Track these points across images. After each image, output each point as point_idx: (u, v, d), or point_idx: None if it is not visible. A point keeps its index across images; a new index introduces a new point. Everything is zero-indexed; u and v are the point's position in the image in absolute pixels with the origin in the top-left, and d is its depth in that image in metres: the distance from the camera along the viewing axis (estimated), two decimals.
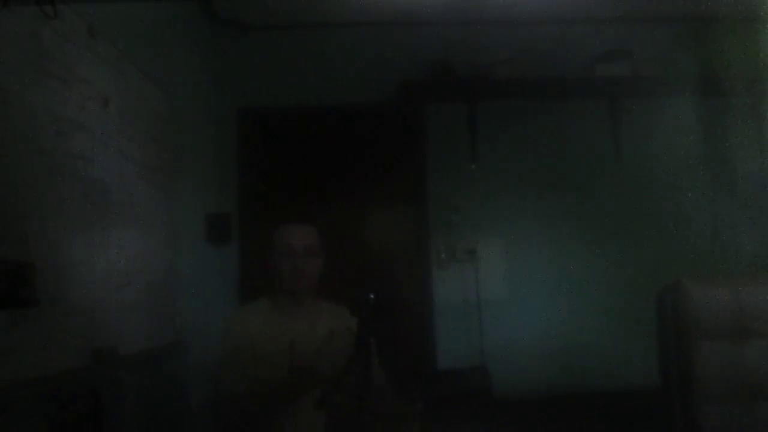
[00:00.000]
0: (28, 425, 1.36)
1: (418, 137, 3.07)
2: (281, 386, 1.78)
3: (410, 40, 2.98)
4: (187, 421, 2.41)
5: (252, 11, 3.01)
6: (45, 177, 1.46)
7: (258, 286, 2.13)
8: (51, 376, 1.42)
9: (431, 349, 2.95)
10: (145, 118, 2.09)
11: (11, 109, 1.33)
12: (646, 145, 2.98)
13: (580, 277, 2.96)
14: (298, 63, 3.03)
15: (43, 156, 1.45)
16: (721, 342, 1.90)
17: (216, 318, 2.59)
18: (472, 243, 3.00)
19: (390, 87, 3.01)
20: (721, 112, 2.96)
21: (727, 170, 2.90)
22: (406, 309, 2.95)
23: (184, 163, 2.49)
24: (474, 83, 2.99)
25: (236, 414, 1.89)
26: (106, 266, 1.75)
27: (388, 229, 3.08)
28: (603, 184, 3.01)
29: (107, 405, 1.62)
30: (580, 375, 2.85)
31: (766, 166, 2.68)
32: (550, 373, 2.85)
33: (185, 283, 2.42)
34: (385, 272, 2.99)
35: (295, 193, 2.96)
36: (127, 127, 1.93)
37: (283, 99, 3.03)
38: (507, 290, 3.00)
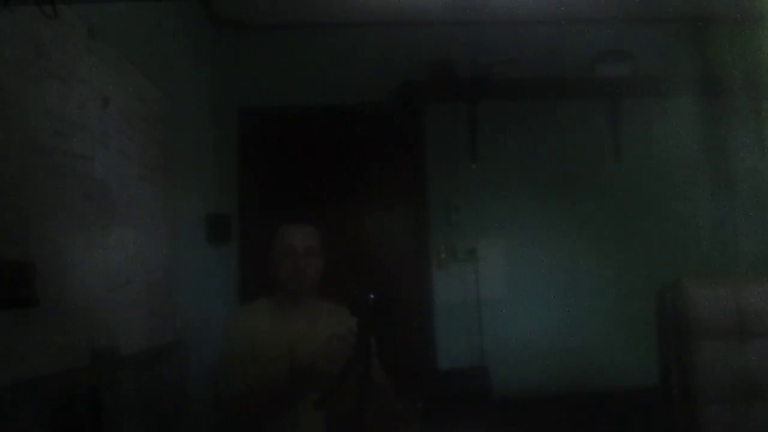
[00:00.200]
0: (28, 425, 1.36)
1: (418, 137, 3.07)
2: (281, 387, 1.78)
3: (410, 40, 2.98)
4: (187, 421, 2.41)
5: (252, 11, 3.01)
6: (45, 177, 1.45)
7: (258, 286, 2.13)
8: (51, 376, 1.42)
9: (431, 349, 2.95)
10: (145, 118, 2.09)
11: (11, 109, 1.33)
12: (646, 145, 2.98)
13: (579, 277, 2.96)
14: (298, 63, 3.03)
15: (43, 156, 1.45)
16: (721, 342, 1.90)
17: (216, 318, 2.59)
18: (472, 243, 3.00)
19: (390, 87, 3.01)
20: (721, 112, 2.97)
21: (727, 170, 2.90)
22: (406, 309, 2.95)
23: (184, 163, 2.49)
24: (474, 83, 2.99)
25: (236, 414, 1.89)
26: (106, 266, 1.75)
27: (388, 229, 3.08)
28: (603, 184, 3.01)
29: (107, 405, 1.62)
30: (580, 375, 2.85)
31: (766, 166, 2.68)
32: (550, 373, 2.85)
33: (185, 283, 2.42)
34: (385, 272, 2.98)
35: (295, 193, 2.96)
36: (127, 127, 1.93)
37: (283, 99, 3.03)
38: (507, 290, 3.00)
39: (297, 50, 3.05)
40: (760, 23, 2.33)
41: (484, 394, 2.63)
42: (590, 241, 2.96)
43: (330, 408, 1.57)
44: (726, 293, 1.93)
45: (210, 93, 2.95)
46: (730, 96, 2.85)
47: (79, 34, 1.62)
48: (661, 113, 2.97)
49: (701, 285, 1.94)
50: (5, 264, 1.27)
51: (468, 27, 2.96)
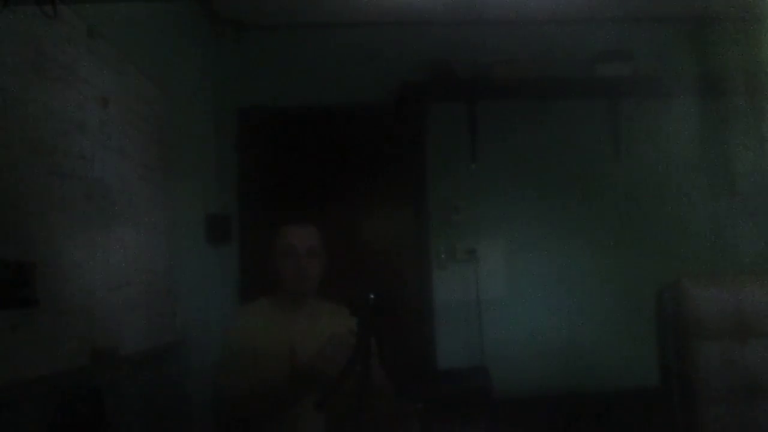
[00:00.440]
0: (28, 425, 1.36)
1: (418, 137, 3.07)
2: (282, 389, 1.78)
3: (410, 40, 2.98)
4: (187, 421, 2.41)
5: (252, 11, 3.01)
6: (45, 177, 1.46)
7: (258, 286, 2.13)
8: (51, 376, 1.42)
9: (431, 349, 2.95)
10: (145, 118, 2.09)
11: (11, 109, 1.33)
12: (646, 145, 2.98)
13: (580, 277, 2.96)
14: (298, 63, 3.03)
15: (43, 156, 1.45)
16: (721, 342, 1.90)
17: (216, 318, 2.59)
18: (472, 243, 3.00)
19: (390, 87, 3.01)
20: (721, 112, 2.97)
21: (727, 170, 2.90)
22: (406, 309, 2.95)
23: (184, 163, 2.49)
24: (474, 83, 2.99)
25: (236, 415, 1.89)
26: (106, 266, 1.75)
27: (388, 229, 3.08)
28: (603, 184, 3.01)
29: (107, 405, 1.62)
30: (580, 375, 2.85)
31: (766, 166, 2.68)
32: (550, 373, 2.85)
33: (185, 283, 2.42)
34: (385, 272, 2.98)
35: (295, 193, 2.96)
36: (127, 127, 1.93)
37: (282, 99, 3.03)
38: (507, 290, 3.00)
39: (297, 50, 3.05)
40: (760, 23, 2.33)
41: (484, 394, 2.64)
42: (590, 241, 2.96)
43: (330, 408, 1.57)
44: (726, 293, 1.94)
45: (210, 93, 2.95)
46: (730, 96, 2.85)
47: (79, 34, 1.62)
48: (661, 113, 2.97)
49: (701, 285, 1.95)
50: (5, 264, 1.27)
51: (468, 27, 2.96)
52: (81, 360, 1.57)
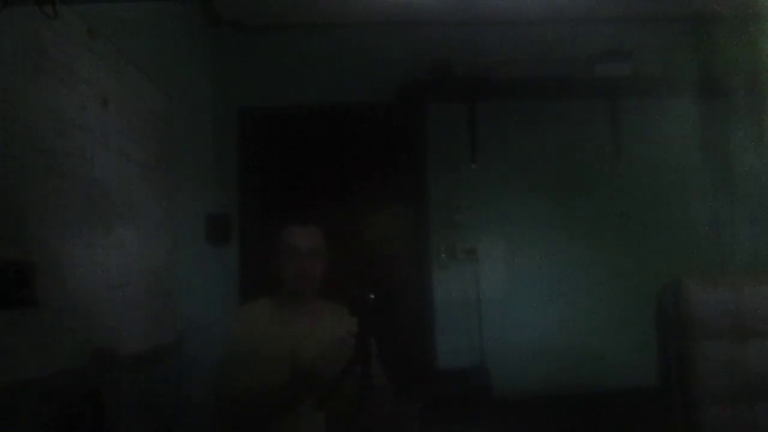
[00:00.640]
0: (28, 425, 1.36)
1: (418, 137, 3.07)
2: (282, 389, 1.78)
3: (410, 40, 2.98)
4: (187, 421, 2.41)
5: (252, 11, 3.01)
6: (45, 177, 1.45)
7: (258, 286, 2.13)
8: (51, 376, 1.42)
9: (431, 349, 2.95)
10: (145, 118, 2.09)
11: (11, 109, 1.33)
12: (646, 145, 2.98)
13: (580, 277, 2.96)
14: (298, 63, 3.03)
15: (43, 156, 1.45)
16: (721, 342, 1.90)
17: (216, 318, 2.59)
18: (472, 243, 3.00)
19: (390, 87, 3.01)
20: (721, 112, 2.97)
21: (727, 170, 2.89)
22: (406, 309, 2.95)
23: (184, 163, 2.49)
24: (474, 83, 2.99)
25: (236, 415, 1.89)
26: (106, 266, 1.75)
27: (388, 229, 3.08)
28: (603, 184, 3.01)
29: (107, 405, 1.62)
30: (580, 375, 2.85)
31: (766, 166, 2.68)
32: (550, 373, 2.85)
33: (185, 283, 2.42)
34: (385, 272, 2.98)
35: (295, 193, 2.96)
36: (127, 127, 1.93)
37: (283, 99, 3.03)
38: (507, 290, 3.00)
39: (297, 50, 3.05)
40: (760, 23, 2.33)
41: (484, 394, 2.64)
42: (590, 240, 2.96)
43: (330, 408, 1.58)
44: (726, 293, 1.93)
45: (210, 93, 2.95)
46: (730, 96, 2.85)
47: (79, 34, 1.62)
48: (661, 113, 2.97)
49: (701, 285, 1.94)
50: (5, 264, 1.27)
51: (468, 27, 2.96)
52: (81, 360, 1.57)
